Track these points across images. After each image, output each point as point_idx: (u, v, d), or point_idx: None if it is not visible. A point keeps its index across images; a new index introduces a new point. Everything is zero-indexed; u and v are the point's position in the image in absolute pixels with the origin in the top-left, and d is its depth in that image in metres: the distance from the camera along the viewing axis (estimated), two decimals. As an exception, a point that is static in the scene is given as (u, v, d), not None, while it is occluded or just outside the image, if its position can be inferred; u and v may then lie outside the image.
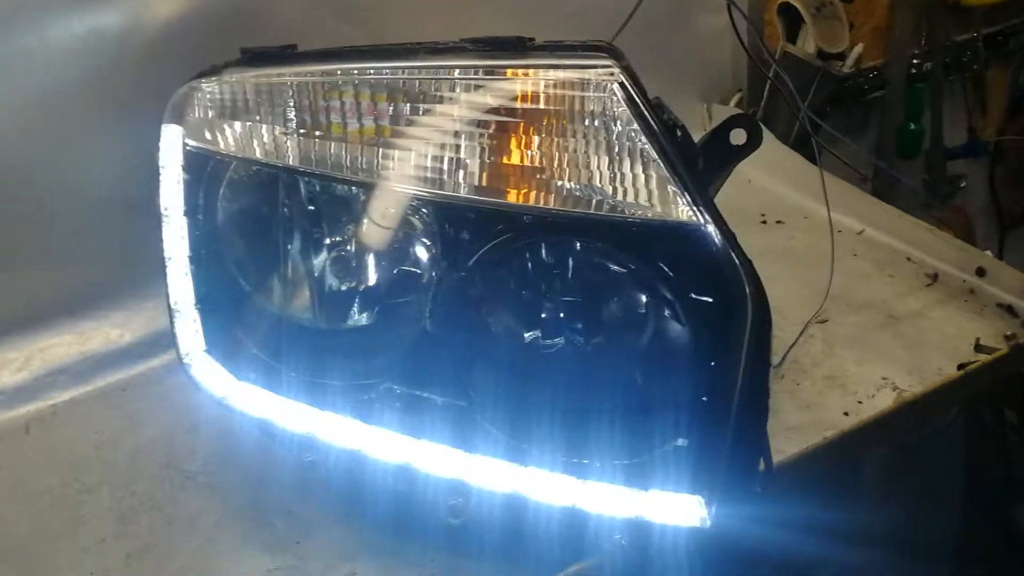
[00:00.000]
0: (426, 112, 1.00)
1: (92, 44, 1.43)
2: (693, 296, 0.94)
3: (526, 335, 1.07)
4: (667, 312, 0.99)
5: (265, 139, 1.13)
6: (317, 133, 1.08)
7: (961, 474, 1.79)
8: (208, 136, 1.17)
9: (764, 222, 1.82)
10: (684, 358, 0.98)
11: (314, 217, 1.21)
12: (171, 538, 1.19)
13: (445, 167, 1.00)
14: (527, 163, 0.97)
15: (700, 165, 1.04)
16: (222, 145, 1.16)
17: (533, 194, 0.97)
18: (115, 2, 1.44)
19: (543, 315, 1.06)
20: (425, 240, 1.12)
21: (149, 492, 1.27)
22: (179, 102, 1.17)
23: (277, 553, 1.14)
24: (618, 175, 0.93)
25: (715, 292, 0.92)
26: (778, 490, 0.98)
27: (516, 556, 1.07)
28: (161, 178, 1.19)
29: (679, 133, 0.96)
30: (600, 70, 0.90)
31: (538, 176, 0.96)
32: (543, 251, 1.04)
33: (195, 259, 1.20)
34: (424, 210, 1.08)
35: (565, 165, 0.95)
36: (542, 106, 0.94)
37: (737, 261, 0.88)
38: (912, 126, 2.57)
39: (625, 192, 0.93)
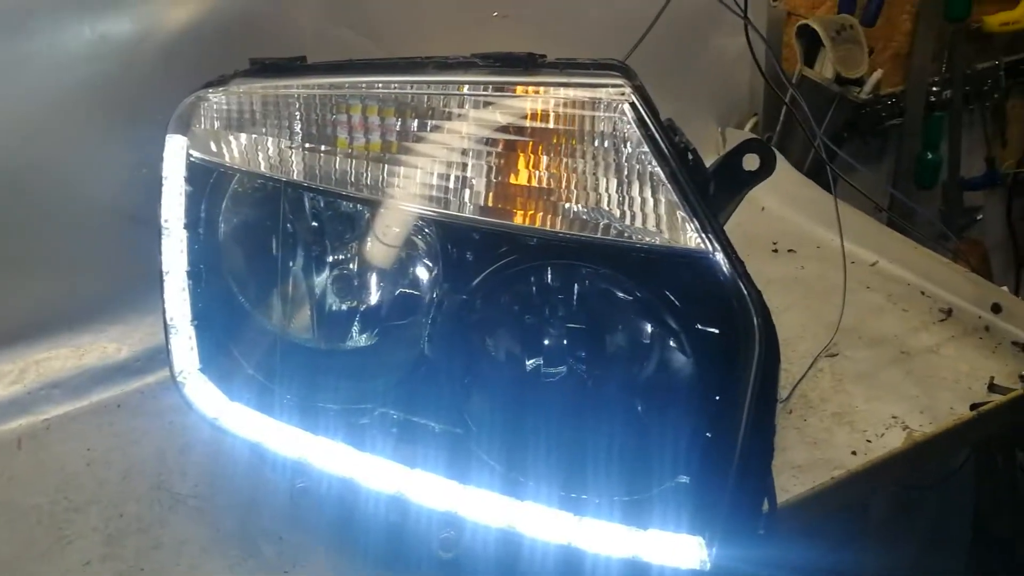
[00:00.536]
0: (434, 128, 0.98)
1: (102, 50, 1.41)
2: (699, 327, 0.90)
3: (528, 362, 1.04)
4: (672, 343, 0.96)
5: (271, 152, 1.10)
6: (323, 148, 1.06)
7: (969, 515, 1.74)
8: (213, 148, 1.15)
9: (775, 250, 1.78)
10: (688, 391, 0.94)
11: (317, 234, 1.18)
12: (157, 563, 1.16)
13: (451, 186, 0.98)
14: (534, 184, 0.94)
15: (711, 191, 1.01)
16: (227, 157, 1.14)
17: (539, 216, 0.94)
18: (126, 8, 1.42)
19: (546, 342, 1.03)
20: (427, 261, 1.09)
21: (137, 514, 1.24)
22: (185, 112, 1.15)
23: (265, 581, 1.11)
24: (626, 199, 0.90)
25: (722, 323, 0.89)
26: (782, 532, 0.95)
27: (508, 594, 1.03)
28: (163, 189, 1.17)
29: (690, 157, 0.94)
30: (611, 89, 0.88)
31: (545, 197, 0.93)
32: (548, 275, 1.01)
33: (193, 274, 1.17)
34: (427, 230, 1.06)
35: (573, 187, 0.92)
36: (552, 125, 0.92)
37: (746, 292, 0.85)
38: (930, 155, 2.53)
39: (633, 217, 0.90)
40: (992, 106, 2.67)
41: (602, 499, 0.97)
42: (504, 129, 0.93)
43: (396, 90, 0.99)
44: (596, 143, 0.90)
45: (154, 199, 1.17)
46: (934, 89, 2.50)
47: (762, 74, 1.81)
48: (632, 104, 0.86)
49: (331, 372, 1.17)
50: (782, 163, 1.49)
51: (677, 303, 0.92)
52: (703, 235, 0.86)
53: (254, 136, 1.11)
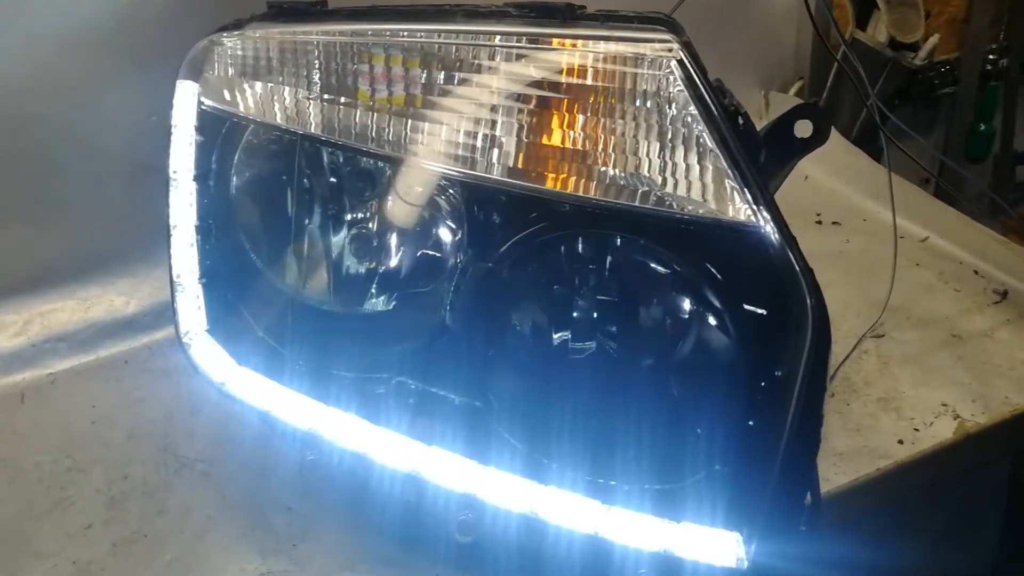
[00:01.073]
0: (462, 82, 0.92)
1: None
2: (746, 306, 0.83)
3: (555, 336, 0.97)
4: (713, 321, 0.89)
5: (287, 103, 1.05)
6: (343, 99, 1.00)
7: (1001, 507, 1.64)
8: (227, 96, 1.10)
9: (819, 222, 1.70)
10: (729, 375, 0.87)
11: (336, 190, 1.13)
12: (160, 529, 1.11)
13: (479, 144, 0.92)
14: (568, 145, 0.87)
15: (762, 158, 0.93)
16: (241, 107, 1.09)
17: (573, 180, 0.88)
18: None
19: (575, 315, 0.96)
20: (451, 223, 1.03)
21: (142, 477, 1.19)
22: (197, 57, 1.10)
23: (271, 555, 1.06)
24: (669, 164, 0.83)
25: (771, 303, 0.82)
26: (824, 527, 0.88)
27: (529, 583, 0.97)
28: (172, 138, 1.11)
29: (741, 121, 0.85)
30: (657, 45, 0.81)
31: (580, 160, 0.87)
32: (580, 244, 0.94)
33: (203, 229, 1.11)
34: (452, 190, 0.99)
35: (611, 150, 0.85)
36: (589, 82, 0.85)
37: (799, 270, 0.78)
38: (982, 127, 2.43)
39: (676, 184, 0.83)
40: (1051, 77, 2.55)
41: (632, 487, 0.91)
42: (538, 85, 0.87)
43: (422, 39, 0.93)
44: (638, 103, 0.83)
45: (165, 148, 1.11)
46: (990, 57, 2.39)
47: (817, 33, 1.71)
48: (680, 61, 0.80)
49: (346, 337, 1.11)
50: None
51: (721, 279, 0.85)
52: (754, 207, 0.79)
53: (270, 85, 1.05)
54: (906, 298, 1.43)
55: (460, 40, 0.90)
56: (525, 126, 0.88)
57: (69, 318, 1.44)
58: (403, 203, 1.05)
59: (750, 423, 0.84)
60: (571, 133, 0.86)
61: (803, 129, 0.98)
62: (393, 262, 1.11)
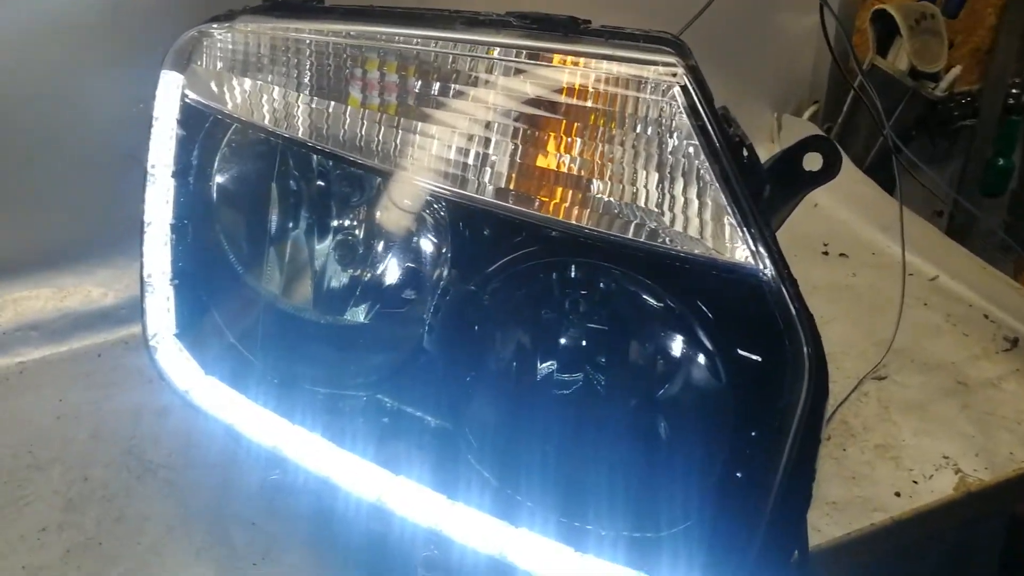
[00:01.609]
0: (457, 95, 0.87)
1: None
2: (740, 352, 0.78)
3: (538, 365, 0.92)
4: (704, 364, 0.84)
5: (276, 103, 1.00)
6: (333, 105, 0.95)
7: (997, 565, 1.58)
8: (213, 90, 1.05)
9: (825, 253, 1.65)
10: (718, 422, 0.82)
11: (322, 194, 1.09)
12: (117, 538, 1.07)
13: (470, 162, 0.87)
14: (563, 169, 0.82)
15: (766, 194, 0.87)
16: (228, 103, 1.04)
17: (565, 207, 0.83)
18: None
19: (559, 344, 0.92)
20: (435, 239, 0.98)
21: (103, 480, 1.14)
22: (184, 47, 1.06)
23: (228, 574, 1.01)
24: (667, 197, 0.78)
25: (767, 351, 0.77)
26: (811, 585, 0.83)
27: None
28: (152, 130, 1.07)
29: (745, 153, 0.80)
30: (661, 68, 0.76)
31: (574, 186, 0.82)
32: (568, 271, 0.89)
33: (178, 228, 1.07)
34: (437, 205, 0.94)
35: (607, 178, 0.80)
36: (589, 104, 0.80)
37: (797, 319, 0.73)
38: (1001, 161, 2.37)
39: (673, 219, 0.78)
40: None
41: (607, 532, 0.85)
42: (535, 103, 0.82)
43: (419, 46, 0.88)
44: (638, 129, 0.78)
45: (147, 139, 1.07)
46: (1013, 91, 2.33)
47: (835, 60, 1.65)
48: (684, 88, 0.74)
49: (321, 349, 1.07)
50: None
51: (715, 321, 0.80)
52: (753, 247, 0.74)
53: (259, 83, 1.01)
54: (911, 339, 1.38)
55: (458, 50, 0.86)
56: (519, 146, 0.83)
57: (44, 306, 1.39)
58: (389, 214, 1.01)
59: (738, 474, 0.79)
60: (567, 157, 0.81)
61: (812, 162, 0.92)
62: (377, 271, 1.06)
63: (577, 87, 0.80)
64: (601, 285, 0.89)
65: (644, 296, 0.86)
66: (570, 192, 0.82)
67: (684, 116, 0.74)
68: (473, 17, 0.86)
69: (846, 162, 1.77)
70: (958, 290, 1.52)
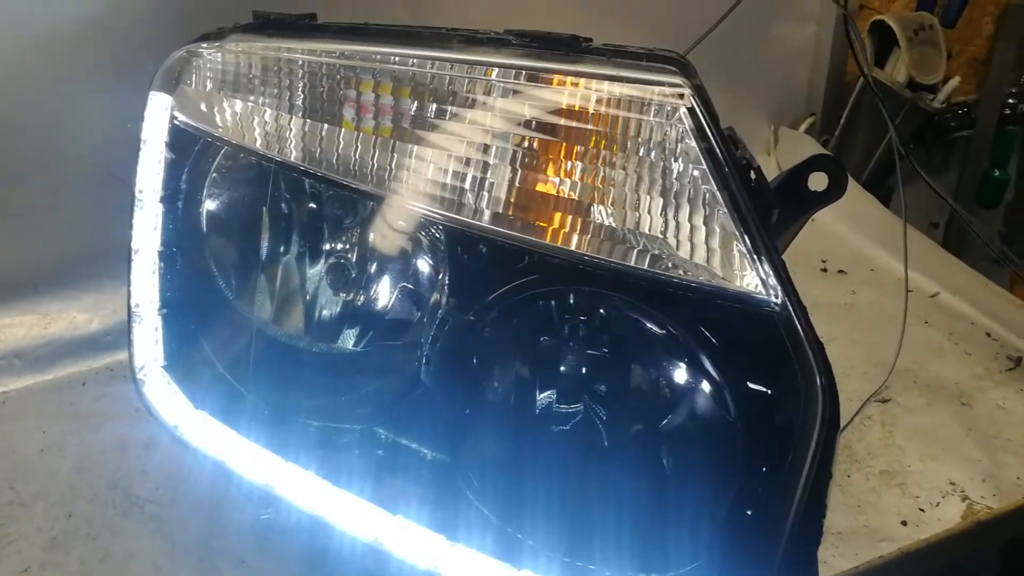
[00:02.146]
0: (453, 117, 0.84)
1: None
2: (749, 384, 0.75)
3: (538, 397, 0.89)
4: (712, 397, 0.81)
5: (268, 125, 0.98)
6: (326, 128, 0.93)
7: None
8: (203, 111, 1.02)
9: (824, 269, 1.63)
10: (728, 458, 0.79)
11: (315, 216, 1.05)
12: (101, 578, 1.02)
13: (467, 187, 0.84)
14: (563, 194, 0.79)
15: (774, 218, 0.85)
16: (218, 125, 1.01)
17: (565, 233, 0.80)
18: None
19: (560, 375, 0.89)
20: (431, 264, 0.95)
21: (88, 516, 1.10)
22: (173, 67, 1.03)
23: (218, 613, 0.97)
24: (672, 224, 0.75)
25: (777, 383, 0.74)
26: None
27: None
28: (140, 154, 1.04)
29: (753, 176, 0.77)
30: (667, 88, 0.73)
31: (575, 212, 0.79)
32: (569, 299, 0.86)
33: (166, 255, 1.04)
34: (434, 230, 0.90)
35: (609, 204, 0.77)
36: (590, 126, 0.77)
37: (809, 350, 0.70)
38: (997, 172, 2.35)
39: (678, 245, 0.75)
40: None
41: (612, 572, 0.82)
42: (534, 126, 0.79)
43: (414, 67, 0.86)
44: (642, 153, 0.75)
45: (135, 162, 1.04)
46: (1010, 101, 2.31)
47: (860, 70, 1.61)
48: (691, 110, 0.71)
49: (315, 379, 1.03)
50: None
51: (723, 351, 0.77)
52: (764, 275, 0.71)
53: (250, 104, 0.98)
54: (913, 359, 1.35)
55: (454, 71, 0.83)
56: (518, 170, 0.81)
57: (27, 333, 1.35)
58: (383, 238, 0.98)
59: (748, 512, 0.76)
60: (567, 181, 0.78)
61: (818, 182, 0.89)
62: (370, 296, 1.03)
63: (578, 109, 0.77)
64: (602, 312, 0.86)
65: (647, 327, 0.83)
66: (570, 218, 0.79)
67: (691, 139, 0.72)
68: (471, 35, 0.83)
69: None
70: (959, 307, 1.49)
